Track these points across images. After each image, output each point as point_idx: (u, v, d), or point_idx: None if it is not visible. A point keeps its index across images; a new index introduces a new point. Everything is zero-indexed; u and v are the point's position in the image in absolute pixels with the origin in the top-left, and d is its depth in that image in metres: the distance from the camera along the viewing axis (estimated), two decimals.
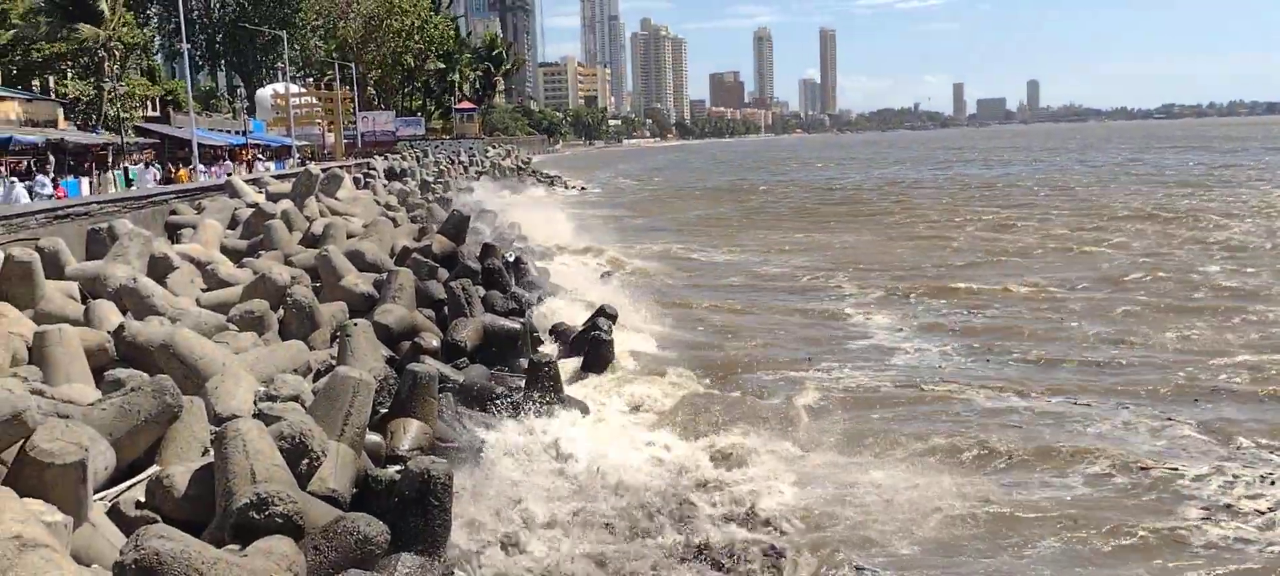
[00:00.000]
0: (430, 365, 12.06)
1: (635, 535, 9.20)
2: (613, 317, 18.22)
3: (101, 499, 7.26)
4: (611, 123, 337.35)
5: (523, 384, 13.48)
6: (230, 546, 6.40)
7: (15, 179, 26.87)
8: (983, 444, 11.77)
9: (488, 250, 20.60)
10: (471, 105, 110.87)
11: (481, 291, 16.79)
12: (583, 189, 73.19)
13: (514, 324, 15.46)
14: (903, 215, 42.25)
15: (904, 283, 23.73)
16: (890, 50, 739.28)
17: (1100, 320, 18.77)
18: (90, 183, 32.90)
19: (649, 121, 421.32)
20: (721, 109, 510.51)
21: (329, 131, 72.40)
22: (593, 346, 15.67)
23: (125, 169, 36.98)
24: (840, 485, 10.44)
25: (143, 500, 7.41)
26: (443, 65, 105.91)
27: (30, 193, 26.19)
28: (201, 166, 39.52)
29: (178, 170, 37.80)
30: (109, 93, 45.12)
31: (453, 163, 73.31)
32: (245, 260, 17.02)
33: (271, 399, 9.52)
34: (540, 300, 19.31)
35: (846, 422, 12.61)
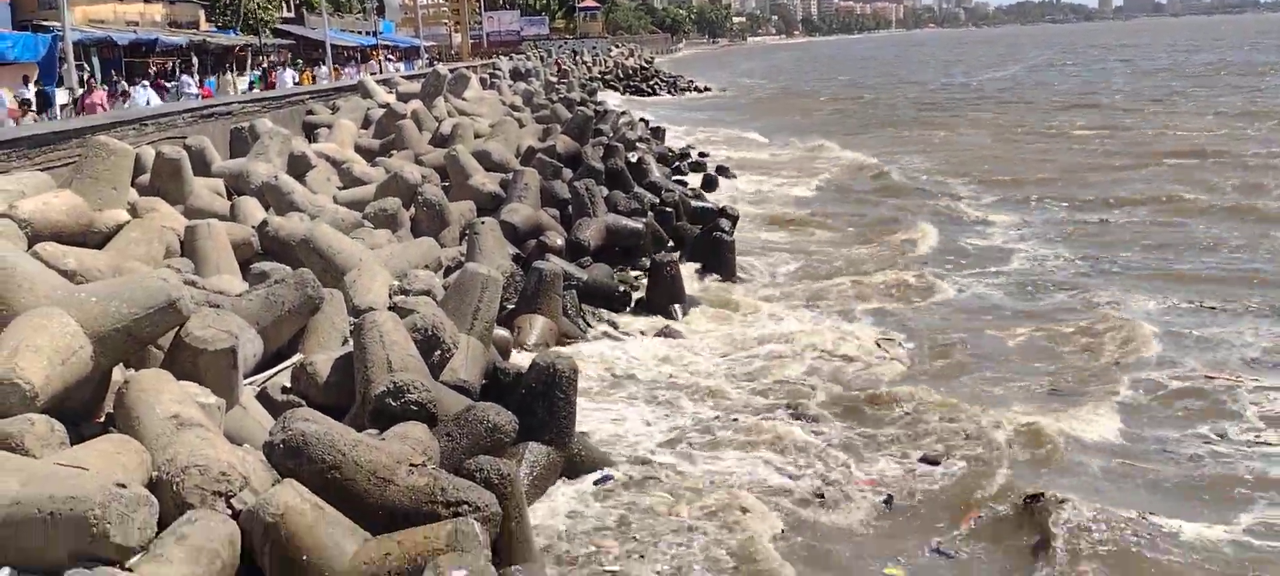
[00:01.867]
0: (555, 263, 12.32)
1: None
2: (733, 219, 18.21)
3: (251, 384, 7.71)
4: (736, 20, 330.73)
5: (645, 283, 13.67)
6: (369, 430, 6.74)
7: (145, 82, 27.92)
8: None
9: (610, 151, 20.69)
10: (594, 3, 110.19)
11: (605, 191, 16.93)
12: (707, 90, 72.29)
13: (636, 223, 15.58)
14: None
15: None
16: None
17: None
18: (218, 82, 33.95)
19: (774, 17, 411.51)
20: (850, 3, 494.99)
21: (456, 31, 73.10)
22: (712, 249, 15.71)
23: (262, 70, 38.13)
24: None
25: (288, 386, 7.85)
26: None
27: (177, 93, 27.31)
28: (324, 68, 40.39)
29: (302, 72, 38.71)
30: None
31: (576, 62, 73.25)
32: (377, 159, 17.51)
33: (405, 293, 9.90)
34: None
35: None
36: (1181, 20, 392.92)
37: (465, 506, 5.77)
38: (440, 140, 19.10)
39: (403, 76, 34.44)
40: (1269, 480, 8.18)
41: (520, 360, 9.58)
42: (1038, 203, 21.51)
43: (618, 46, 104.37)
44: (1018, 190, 23.17)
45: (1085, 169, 25.88)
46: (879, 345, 11.94)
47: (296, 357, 8.20)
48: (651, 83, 75.27)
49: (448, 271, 11.67)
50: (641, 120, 33.40)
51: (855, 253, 17.41)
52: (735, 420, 9.50)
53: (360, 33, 61.70)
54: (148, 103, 23.44)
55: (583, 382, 8.68)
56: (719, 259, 15.57)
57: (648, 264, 14.23)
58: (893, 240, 18.24)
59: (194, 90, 28.42)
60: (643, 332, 12.39)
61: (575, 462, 8.00)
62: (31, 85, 23.65)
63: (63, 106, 22.20)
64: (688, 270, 14.73)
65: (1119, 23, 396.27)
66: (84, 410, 6.36)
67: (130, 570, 4.80)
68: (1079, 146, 30.64)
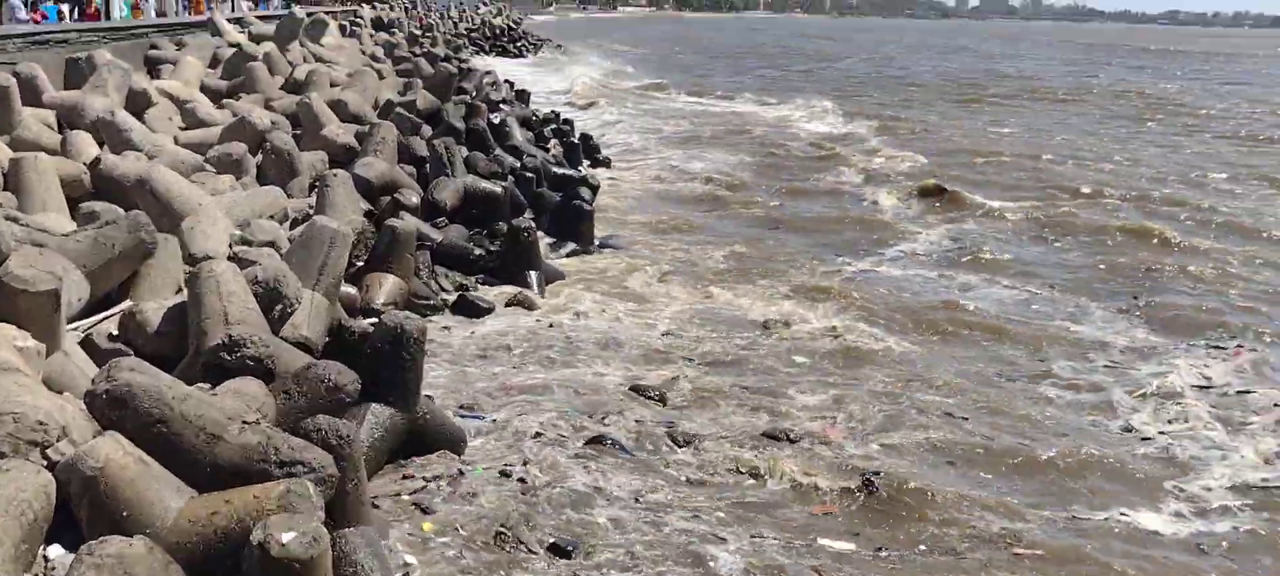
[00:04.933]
0: (409, 221, 12.08)
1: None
2: (594, 188, 18.22)
3: (75, 329, 7.31)
4: None
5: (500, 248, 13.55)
6: (201, 384, 6.48)
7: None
8: None
9: (473, 110, 20.38)
10: None
11: (465, 152, 16.69)
12: (576, 54, 72.06)
13: (495, 187, 15.42)
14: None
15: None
16: None
17: None
18: (71, 8, 31.94)
19: None
20: None
21: None
22: (571, 217, 15.71)
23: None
24: None
25: (115, 333, 7.47)
26: None
27: (9, 16, 25.53)
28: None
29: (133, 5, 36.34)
30: None
31: (442, 17, 71.72)
32: (225, 101, 16.78)
33: (247, 243, 9.54)
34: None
35: None
36: (1030, 24, 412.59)
37: (300, 466, 5.62)
38: (294, 86, 18.44)
39: (256, 16, 33.08)
40: (1094, 457, 8.72)
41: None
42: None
43: (486, 4, 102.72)
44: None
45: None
46: (766, 326, 12.07)
47: (125, 304, 7.81)
48: (519, 44, 74.45)
49: (294, 223, 11.30)
50: (506, 81, 32.99)
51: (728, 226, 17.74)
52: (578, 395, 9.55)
53: None
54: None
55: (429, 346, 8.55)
56: (577, 229, 15.57)
57: (505, 228, 14.11)
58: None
59: (24, 16, 26.60)
60: (497, 299, 12.29)
61: (421, 426, 7.88)
62: None
63: None
64: (545, 240, 14.71)
65: (975, 22, 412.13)
66: None
67: None
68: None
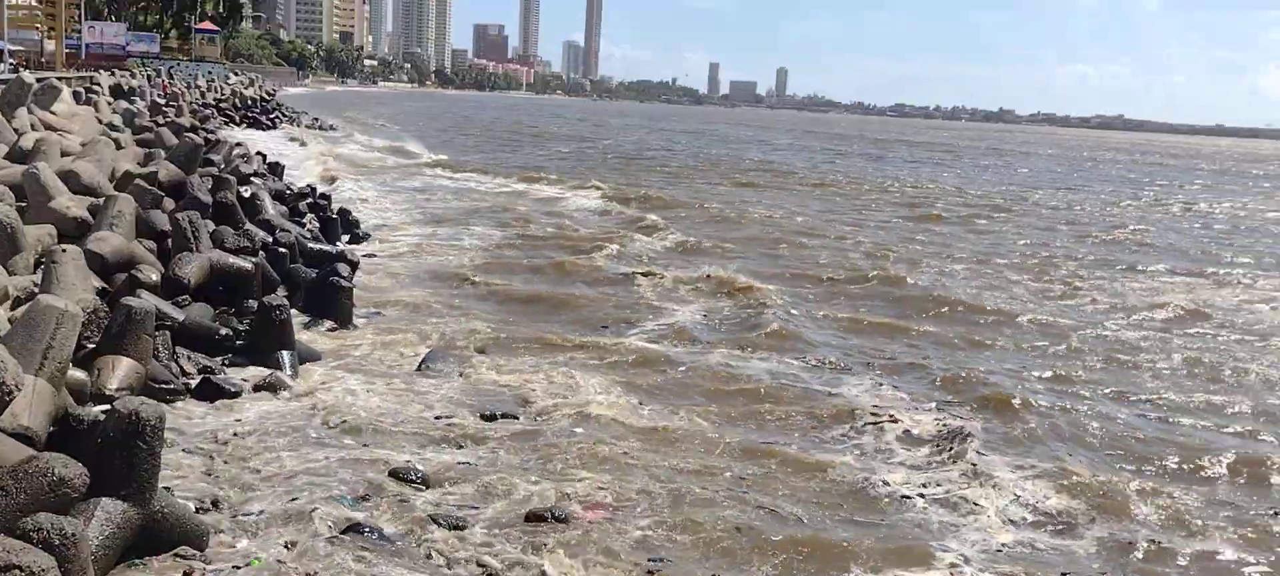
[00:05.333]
0: (147, 300, 11.32)
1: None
2: (354, 265, 17.74)
3: None
4: (367, 62, 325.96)
5: (249, 327, 12.93)
6: None
7: None
8: None
9: (220, 182, 19.46)
10: (213, 27, 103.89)
11: (211, 226, 15.87)
12: (334, 129, 70.35)
13: (245, 262, 14.73)
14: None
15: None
16: (653, 22, 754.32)
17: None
18: None
19: (407, 66, 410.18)
20: (484, 61, 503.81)
21: (50, 38, 65.90)
22: (328, 294, 15.21)
23: None
24: None
25: None
26: None
27: None
28: None
29: None
30: None
31: (189, 86, 68.41)
32: None
33: None
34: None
35: None
36: (776, 112, 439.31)
37: (17, 571, 5.11)
38: (19, 155, 17.06)
39: None
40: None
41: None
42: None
43: (236, 74, 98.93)
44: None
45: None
46: (527, 401, 12.02)
47: None
48: (273, 116, 71.96)
49: (17, 303, 10.36)
50: (258, 154, 31.75)
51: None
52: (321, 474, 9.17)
53: None
54: None
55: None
56: (334, 306, 15.07)
57: (255, 306, 13.46)
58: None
59: None
60: (245, 382, 11.67)
61: (157, 521, 7.32)
62: None
63: None
64: (300, 318, 14.13)
65: (725, 109, 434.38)
66: None
67: None
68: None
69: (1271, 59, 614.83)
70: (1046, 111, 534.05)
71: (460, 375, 12.96)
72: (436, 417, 11.23)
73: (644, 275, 20.98)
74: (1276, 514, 10.14)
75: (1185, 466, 11.26)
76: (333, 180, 35.89)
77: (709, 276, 20.93)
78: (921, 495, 9.95)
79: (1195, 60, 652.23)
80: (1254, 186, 75.33)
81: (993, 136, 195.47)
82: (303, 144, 51.90)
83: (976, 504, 9.74)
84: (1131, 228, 37.09)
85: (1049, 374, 14.96)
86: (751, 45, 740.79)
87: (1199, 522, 9.71)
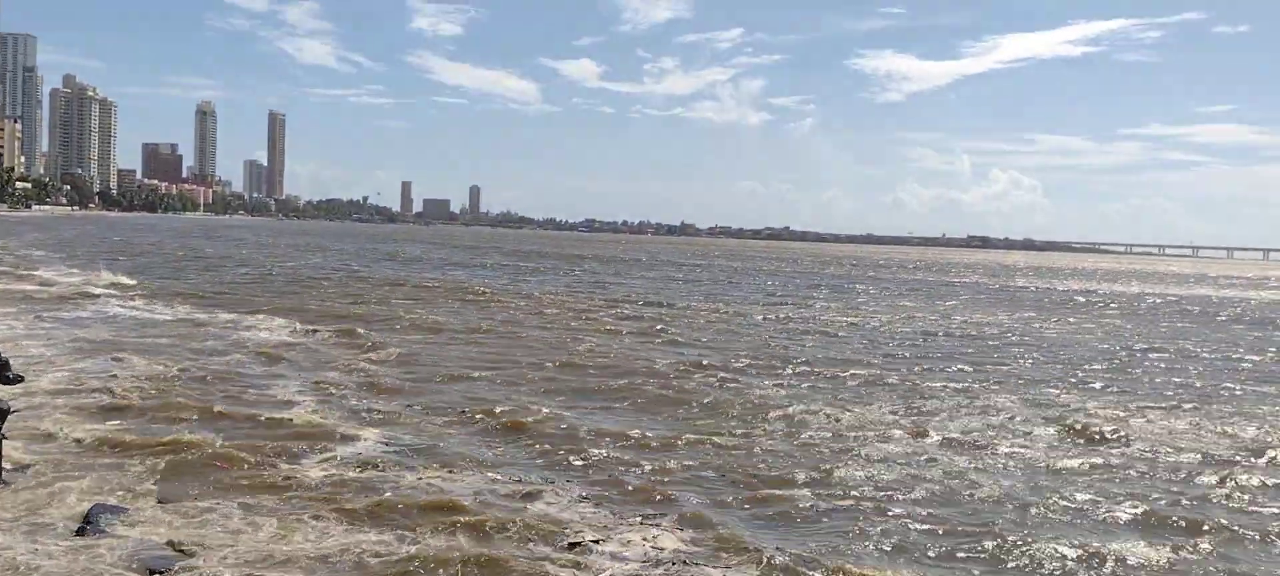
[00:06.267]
0: None
1: None
2: (4, 412, 15.71)
3: None
4: (20, 185, 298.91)
5: None
6: None
7: None
8: None
9: None
10: None
11: None
12: None
13: None
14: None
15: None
16: (342, 140, 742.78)
17: None
18: None
19: (67, 187, 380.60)
20: (155, 181, 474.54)
21: None
22: None
23: None
24: None
25: None
26: None
27: None
28: None
29: None
30: None
31: None
32: None
33: None
34: None
35: None
36: (471, 228, 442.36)
37: None
38: None
39: None
40: None
41: None
42: None
43: None
44: None
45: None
46: (185, 553, 10.87)
47: None
48: None
49: None
50: None
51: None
52: None
53: None
54: None
55: None
56: None
57: None
58: None
59: None
60: None
61: None
62: None
63: None
64: None
65: (419, 226, 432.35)
66: None
67: None
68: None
69: (909, 174, 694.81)
70: (722, 225, 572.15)
71: (125, 529, 11.65)
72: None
73: (316, 408, 20.00)
74: None
75: None
76: None
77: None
78: None
79: (846, 176, 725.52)
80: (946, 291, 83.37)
81: (671, 248, 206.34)
82: None
83: None
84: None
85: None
86: (444, 163, 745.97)
87: None
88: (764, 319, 44.73)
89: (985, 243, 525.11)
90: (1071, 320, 52.15)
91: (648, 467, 15.78)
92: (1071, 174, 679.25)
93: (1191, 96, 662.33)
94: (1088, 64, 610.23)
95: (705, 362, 28.06)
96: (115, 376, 22.17)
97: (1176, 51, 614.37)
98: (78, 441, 16.03)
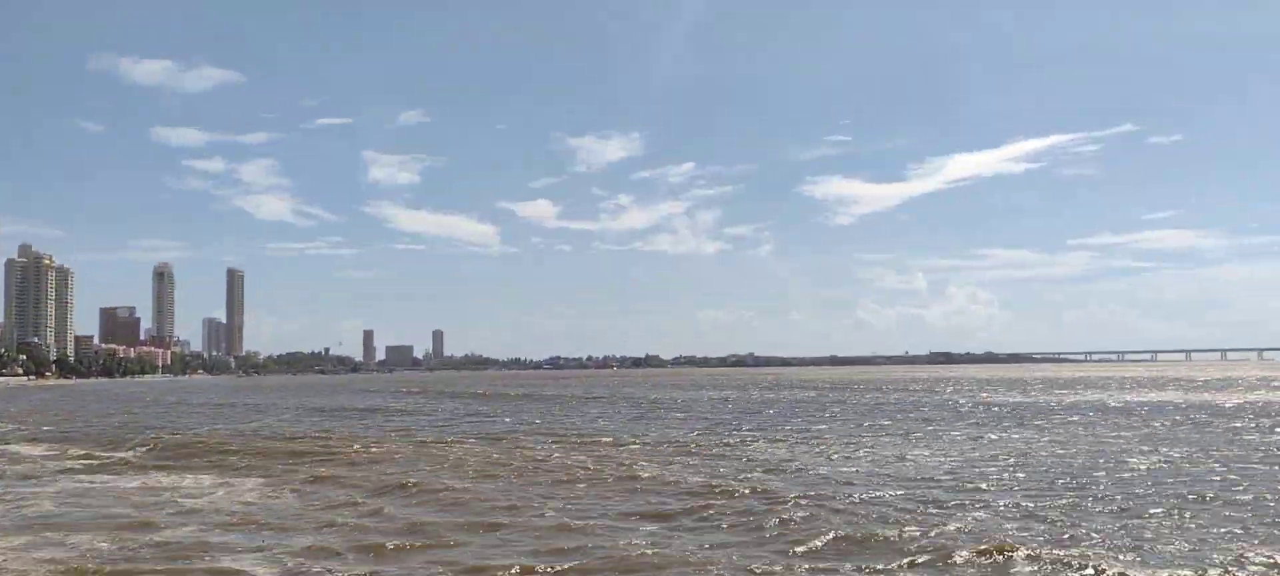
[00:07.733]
0: None
1: None
2: None
3: None
4: None
5: None
6: None
7: None
8: None
9: None
10: None
11: None
12: None
13: None
14: None
15: None
16: (302, 293, 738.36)
17: None
18: None
19: (22, 357, 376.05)
20: (114, 346, 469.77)
21: None
22: None
23: None
24: None
25: None
26: None
27: None
28: None
29: None
30: None
31: None
32: None
33: None
34: None
35: None
36: (435, 374, 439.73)
37: None
38: None
39: None
40: None
41: None
42: None
43: None
44: None
45: None
46: None
47: None
48: None
49: None
50: None
51: None
52: None
53: None
54: None
55: None
56: None
57: None
58: None
59: None
60: None
61: None
62: None
63: None
64: None
65: (382, 373, 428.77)
66: None
67: None
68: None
69: (868, 294, 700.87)
70: (687, 354, 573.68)
71: None
72: None
73: None
74: None
75: None
76: None
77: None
78: None
79: (807, 299, 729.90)
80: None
81: (634, 381, 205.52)
82: None
83: None
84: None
85: None
86: (406, 310, 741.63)
87: None
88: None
89: (948, 358, 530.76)
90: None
91: None
92: (1026, 286, 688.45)
93: (1135, 204, 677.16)
94: (1031, 179, 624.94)
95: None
96: (76, 549, 21.13)
97: (1115, 163, 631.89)
98: None
